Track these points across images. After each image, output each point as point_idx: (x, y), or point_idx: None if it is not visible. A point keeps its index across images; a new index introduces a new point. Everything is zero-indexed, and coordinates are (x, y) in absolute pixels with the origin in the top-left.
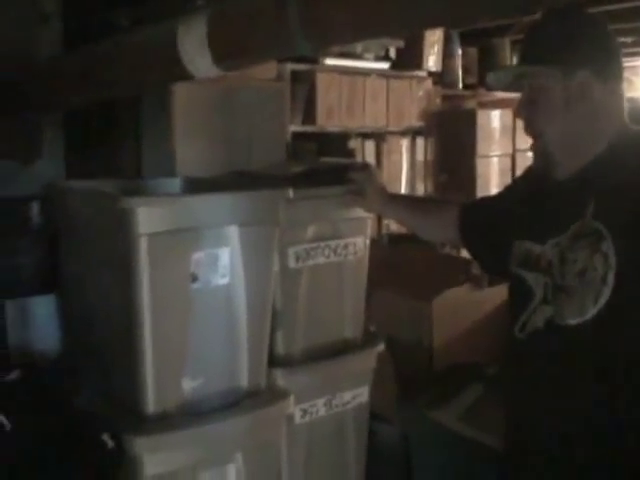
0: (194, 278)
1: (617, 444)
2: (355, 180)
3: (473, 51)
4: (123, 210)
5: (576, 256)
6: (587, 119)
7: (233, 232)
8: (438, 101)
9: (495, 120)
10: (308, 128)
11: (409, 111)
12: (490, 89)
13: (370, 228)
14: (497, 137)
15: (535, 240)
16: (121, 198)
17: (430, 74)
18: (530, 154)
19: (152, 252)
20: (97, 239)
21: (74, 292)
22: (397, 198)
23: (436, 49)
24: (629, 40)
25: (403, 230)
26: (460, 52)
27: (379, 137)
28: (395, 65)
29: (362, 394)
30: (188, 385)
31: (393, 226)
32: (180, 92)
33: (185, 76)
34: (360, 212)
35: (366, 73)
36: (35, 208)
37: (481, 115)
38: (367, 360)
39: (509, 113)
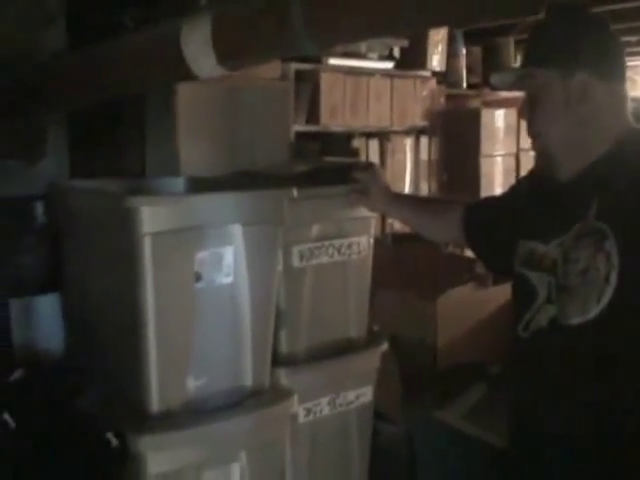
0: (198, 277)
1: (619, 443)
2: (359, 179)
3: (477, 50)
4: (127, 209)
5: (579, 255)
6: (588, 120)
7: (237, 231)
8: (442, 100)
9: (499, 119)
10: (312, 128)
11: (413, 110)
12: (494, 89)
13: (374, 227)
14: (501, 136)
15: (539, 240)
16: (125, 197)
17: (434, 73)
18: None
19: (156, 251)
20: (101, 238)
21: (78, 291)
22: (401, 197)
23: (440, 48)
24: (633, 39)
25: (407, 229)
26: (464, 51)
27: (383, 136)
28: (399, 65)
29: (366, 393)
30: (192, 384)
31: (397, 225)
32: (184, 92)
33: (189, 76)
34: (364, 211)
35: (370, 73)
36: (39, 207)
37: (485, 114)
38: (371, 359)
39: (513, 112)
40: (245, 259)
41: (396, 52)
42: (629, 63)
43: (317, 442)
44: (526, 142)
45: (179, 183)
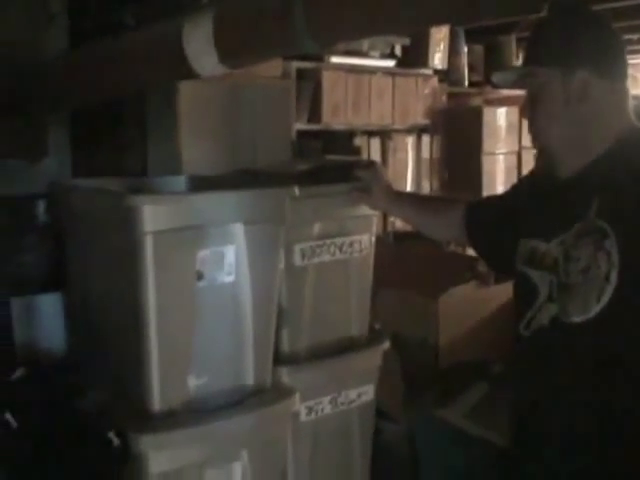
0: (200, 276)
1: (619, 443)
2: (360, 178)
3: (479, 48)
4: (129, 208)
5: (580, 254)
6: (589, 118)
7: (239, 230)
8: (444, 99)
9: (501, 117)
10: (313, 126)
11: (415, 109)
12: (496, 87)
13: (376, 226)
14: (503, 134)
15: (540, 238)
16: (127, 196)
17: (436, 72)
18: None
19: (158, 250)
20: (102, 237)
21: (79, 290)
22: (403, 196)
23: (442, 47)
24: (635, 37)
25: (409, 228)
26: (466, 49)
27: (385, 135)
28: (401, 63)
29: (367, 392)
30: (194, 383)
31: (399, 224)
32: (186, 90)
33: (191, 74)
34: (366, 210)
35: (372, 71)
36: (41, 206)
37: (487, 112)
38: (373, 358)
39: (515, 110)
40: (247, 258)
41: (398, 50)
42: (631, 61)
43: (319, 441)
44: (528, 140)
45: (181, 182)
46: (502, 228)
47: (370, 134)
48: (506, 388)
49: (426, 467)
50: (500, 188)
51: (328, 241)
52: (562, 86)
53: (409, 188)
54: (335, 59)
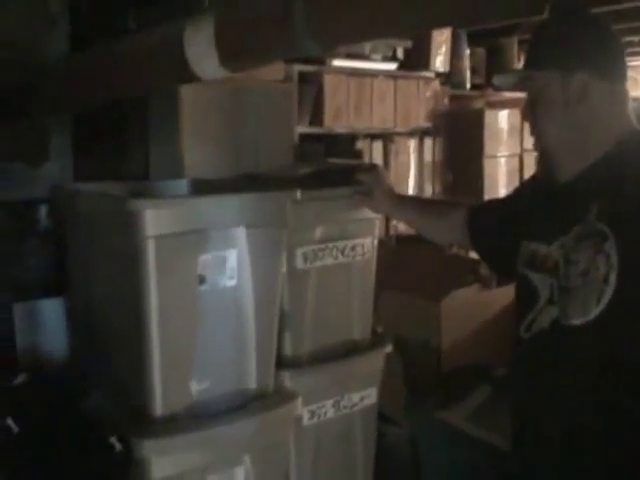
0: (201, 280)
1: (620, 444)
2: (363, 181)
3: (481, 51)
4: (130, 212)
5: (579, 257)
6: (588, 120)
7: (240, 234)
8: (446, 101)
9: (503, 120)
10: (315, 129)
11: (417, 112)
12: (497, 89)
13: (378, 229)
14: (505, 137)
15: (541, 241)
16: (128, 200)
17: (438, 74)
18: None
19: (159, 254)
20: (104, 241)
21: (81, 294)
22: (405, 199)
23: (444, 49)
24: (636, 39)
25: (411, 231)
26: (468, 52)
27: (387, 138)
28: (403, 66)
29: (370, 395)
30: (196, 387)
31: (401, 227)
32: (187, 94)
33: (192, 78)
34: (368, 213)
35: (373, 74)
36: (43, 211)
37: (489, 115)
38: (375, 361)
39: (517, 113)
40: (249, 261)
41: (400, 53)
42: (632, 63)
43: (321, 444)
44: (530, 143)
45: (183, 186)
46: (504, 231)
47: (372, 137)
48: (508, 391)
49: (428, 470)
50: (502, 191)
51: (330, 244)
52: (561, 88)
53: (411, 191)
54: (337, 62)
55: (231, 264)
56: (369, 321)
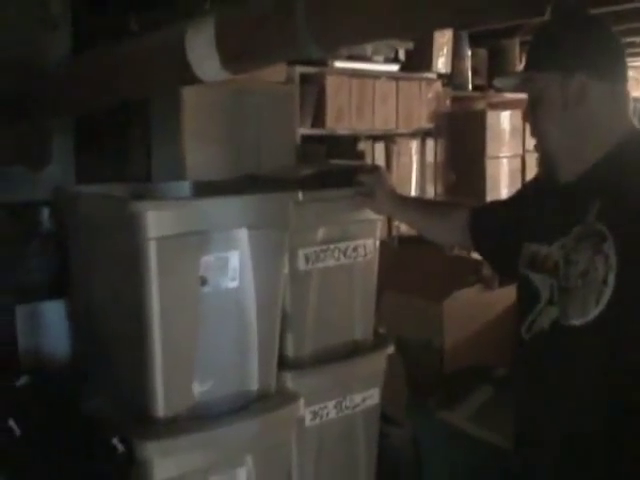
0: (203, 281)
1: (620, 444)
2: (364, 182)
3: (482, 52)
4: (132, 214)
5: (579, 257)
6: (588, 121)
7: (242, 235)
8: (447, 102)
9: (505, 121)
10: (317, 131)
11: (418, 113)
12: (499, 90)
13: (380, 230)
14: (507, 138)
15: (542, 242)
16: (130, 202)
17: (439, 76)
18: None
19: (161, 256)
20: (106, 243)
21: (83, 297)
22: (407, 200)
23: (445, 51)
24: (638, 40)
25: (413, 232)
26: (469, 53)
27: (389, 139)
28: (404, 67)
29: (372, 396)
30: (198, 389)
31: (403, 228)
32: (189, 96)
33: (194, 80)
34: (370, 214)
35: (375, 75)
36: (45, 213)
37: (491, 116)
38: (377, 362)
39: (519, 114)
40: (251, 263)
41: (401, 54)
42: (633, 63)
43: (324, 445)
44: (531, 143)
45: (185, 187)
46: (506, 232)
47: (374, 138)
48: (510, 391)
49: (430, 470)
50: (504, 191)
51: (332, 246)
52: (561, 89)
53: (413, 192)
54: (339, 64)
55: (233, 265)
56: (371, 322)
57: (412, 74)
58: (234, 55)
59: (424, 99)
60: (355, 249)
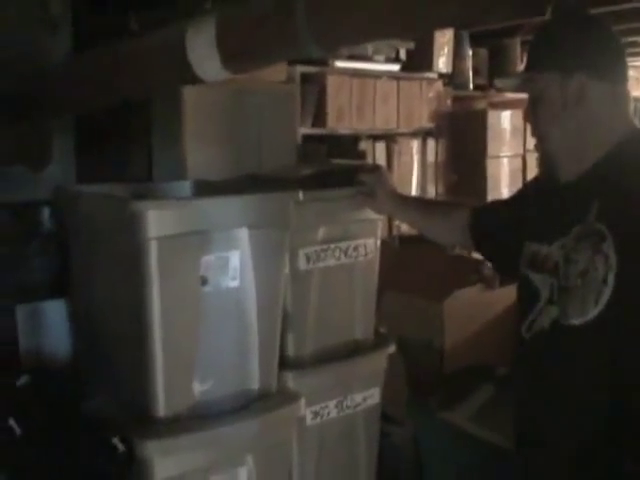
0: (204, 281)
1: (620, 443)
2: (365, 182)
3: (483, 52)
4: (133, 214)
5: (578, 257)
6: (587, 121)
7: (243, 235)
8: (448, 102)
9: (505, 121)
10: (318, 130)
11: (419, 112)
12: (500, 90)
13: (381, 229)
14: (507, 138)
15: (542, 242)
16: (131, 202)
17: (440, 75)
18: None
19: (162, 255)
20: (107, 243)
21: (85, 296)
22: (408, 200)
23: (446, 50)
24: (639, 39)
25: (414, 231)
26: (470, 53)
27: (390, 139)
28: (405, 67)
29: (373, 395)
30: (199, 388)
31: (404, 227)
32: (190, 96)
33: (194, 80)
34: (370, 214)
35: (376, 75)
36: (45, 213)
37: (491, 116)
38: (378, 361)
39: (519, 114)
40: (251, 262)
41: (402, 54)
42: (634, 63)
43: (324, 445)
44: (532, 143)
45: (186, 187)
46: (506, 232)
47: (375, 138)
48: (511, 390)
49: (431, 470)
50: (505, 191)
51: (333, 245)
52: (560, 90)
53: (414, 192)
54: (340, 63)
55: (234, 265)
56: (372, 321)
57: (413, 74)
58: (235, 55)
59: (425, 99)
60: (356, 249)
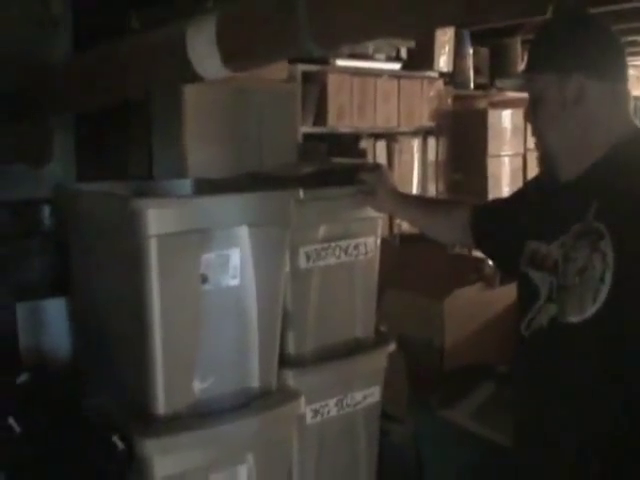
0: (204, 279)
1: (619, 442)
2: (366, 180)
3: (484, 51)
4: (133, 212)
5: (577, 255)
6: (587, 121)
7: (243, 233)
8: (449, 101)
9: (506, 120)
10: (319, 129)
11: (420, 111)
12: (501, 89)
13: (381, 228)
14: (508, 137)
15: (542, 240)
16: (131, 200)
17: (441, 74)
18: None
19: (162, 253)
20: (107, 241)
21: (84, 294)
22: (408, 198)
23: (447, 49)
24: (639, 39)
25: (414, 230)
26: (471, 52)
27: (390, 137)
28: (406, 65)
29: (373, 394)
30: (198, 386)
31: (405, 226)
32: (191, 94)
33: (195, 78)
34: (371, 212)
35: (377, 74)
36: (46, 211)
37: (492, 115)
38: (378, 360)
39: (520, 113)
40: (252, 261)
41: (403, 53)
42: (634, 62)
43: (325, 443)
44: (533, 142)
45: (186, 185)
46: (507, 231)
47: (376, 137)
48: (510, 388)
49: (431, 468)
50: (505, 190)
51: (333, 244)
52: (559, 90)
53: (415, 190)
54: (341, 62)
55: (234, 263)
56: (372, 320)
57: (414, 72)
58: (235, 53)
59: (426, 97)
60: (356, 247)
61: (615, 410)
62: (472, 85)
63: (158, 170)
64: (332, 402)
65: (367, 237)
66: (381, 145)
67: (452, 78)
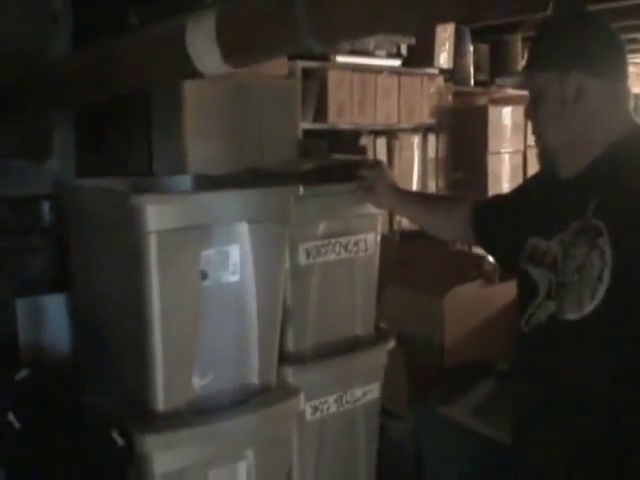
0: (204, 275)
1: (616, 440)
2: (366, 177)
3: (485, 48)
4: (132, 208)
5: (576, 252)
6: (587, 119)
7: (243, 229)
8: (449, 98)
9: (506, 117)
10: (319, 125)
11: (420, 108)
12: (501, 86)
13: (381, 224)
14: (508, 134)
15: (541, 237)
16: (130, 195)
17: (441, 71)
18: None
19: (162, 249)
20: (107, 237)
21: (84, 290)
22: (408, 195)
23: (447, 46)
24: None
25: (415, 226)
26: (472, 49)
27: (390, 134)
28: (406, 62)
29: (373, 390)
30: (198, 382)
31: (405, 222)
32: (191, 90)
33: (195, 74)
34: (371, 209)
35: (377, 70)
36: (45, 207)
37: (492, 112)
38: (378, 357)
39: (520, 110)
40: (251, 257)
41: (403, 50)
42: (635, 60)
43: (324, 440)
44: (533, 139)
45: (186, 181)
46: (508, 227)
47: (376, 133)
48: (510, 384)
49: (431, 464)
50: (506, 187)
51: (333, 240)
52: (559, 88)
53: (415, 187)
54: (341, 58)
55: (234, 259)
56: (372, 316)
57: (414, 69)
58: (235, 49)
59: (426, 94)
60: (356, 244)
61: (614, 408)
62: (472, 82)
63: (158, 166)
64: (332, 399)
65: (367, 234)
66: (381, 142)
67: (452, 75)
